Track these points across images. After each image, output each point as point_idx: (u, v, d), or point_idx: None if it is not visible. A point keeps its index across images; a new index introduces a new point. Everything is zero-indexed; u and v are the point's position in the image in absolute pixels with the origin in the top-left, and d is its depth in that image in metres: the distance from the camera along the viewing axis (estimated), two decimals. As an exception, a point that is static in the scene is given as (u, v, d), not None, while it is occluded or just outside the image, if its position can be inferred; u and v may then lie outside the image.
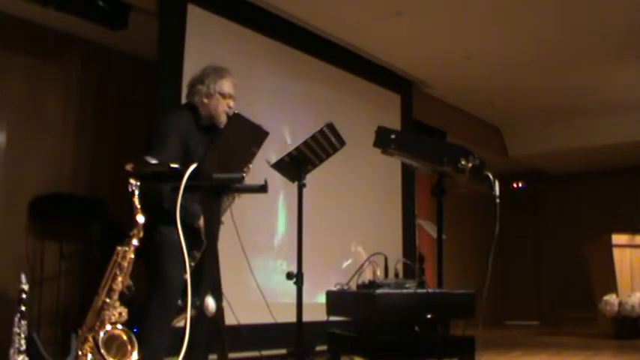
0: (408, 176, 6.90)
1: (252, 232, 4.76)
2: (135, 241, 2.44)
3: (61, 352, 4.47)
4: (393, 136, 3.37)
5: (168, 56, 4.59)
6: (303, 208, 3.50)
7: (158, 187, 2.75)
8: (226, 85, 3.11)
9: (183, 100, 3.29)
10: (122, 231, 2.51)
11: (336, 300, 3.35)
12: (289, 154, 3.41)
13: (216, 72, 3.15)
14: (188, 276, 2.37)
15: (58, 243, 4.87)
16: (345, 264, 5.84)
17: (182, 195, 2.74)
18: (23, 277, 3.25)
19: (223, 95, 3.08)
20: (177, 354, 2.96)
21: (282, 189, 5.07)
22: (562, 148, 8.95)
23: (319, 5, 5.35)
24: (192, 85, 3.14)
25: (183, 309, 2.83)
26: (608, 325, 7.04)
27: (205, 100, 3.08)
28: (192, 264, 2.98)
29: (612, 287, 7.06)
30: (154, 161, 2.63)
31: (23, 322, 3.17)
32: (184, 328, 2.30)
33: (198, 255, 2.97)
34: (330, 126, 3.42)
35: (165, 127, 3.00)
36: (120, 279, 2.41)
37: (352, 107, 6.17)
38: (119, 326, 2.39)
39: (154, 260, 2.90)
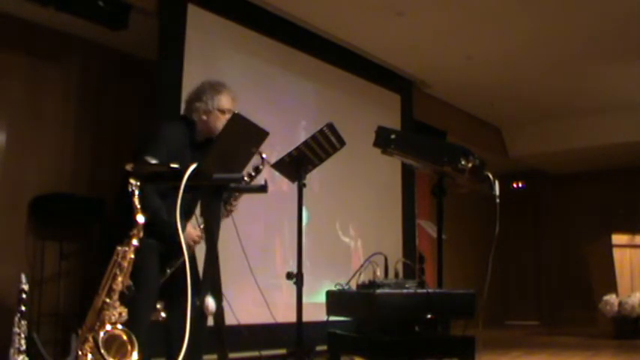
0: (408, 176, 6.90)
1: (252, 231, 4.77)
2: (135, 241, 2.44)
3: (61, 352, 4.47)
4: (393, 136, 3.37)
5: (168, 56, 4.59)
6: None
7: (149, 201, 2.77)
8: (224, 101, 3.05)
9: (183, 102, 3.28)
10: (122, 231, 2.51)
11: (336, 300, 3.35)
12: (289, 154, 3.40)
13: (213, 88, 3.08)
14: (188, 278, 2.37)
15: (58, 243, 4.86)
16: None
17: (165, 205, 2.78)
18: (23, 277, 3.26)
19: (222, 111, 3.03)
20: (168, 355, 2.98)
21: (281, 188, 5.07)
22: (562, 148, 8.95)
23: (319, 5, 5.35)
24: (190, 102, 3.08)
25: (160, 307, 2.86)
26: (608, 325, 7.05)
27: (204, 117, 3.02)
28: (169, 271, 3.00)
29: (612, 287, 7.07)
30: (154, 161, 2.63)
31: (23, 322, 3.18)
32: (184, 328, 2.30)
33: (177, 263, 2.99)
34: (330, 126, 3.41)
35: (158, 140, 2.93)
36: (120, 279, 2.40)
37: (352, 107, 6.17)
38: (119, 326, 2.39)
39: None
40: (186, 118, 3.10)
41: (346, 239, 6.04)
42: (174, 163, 2.88)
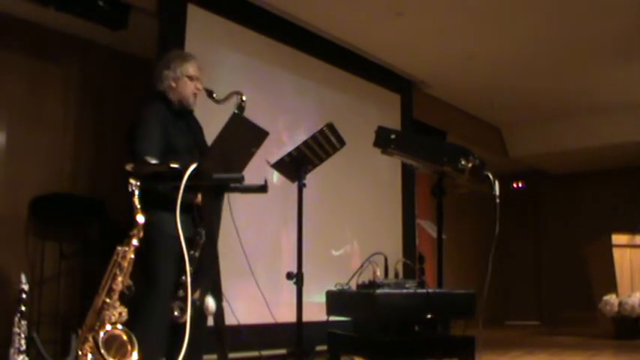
0: (408, 176, 6.89)
1: (252, 231, 4.77)
2: (135, 241, 2.44)
3: (61, 352, 4.47)
4: (393, 136, 3.37)
5: (168, 56, 4.59)
6: (303, 208, 3.50)
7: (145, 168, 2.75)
8: (192, 68, 3.16)
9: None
10: (122, 231, 2.51)
11: (336, 300, 3.35)
12: (289, 154, 3.41)
13: (181, 56, 3.23)
14: (188, 275, 2.37)
15: (58, 243, 4.86)
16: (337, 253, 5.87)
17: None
18: (23, 277, 3.26)
19: (190, 78, 3.13)
20: (168, 354, 2.97)
21: (282, 188, 5.07)
22: (562, 148, 8.95)
23: (319, 5, 5.35)
24: (159, 71, 3.17)
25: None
26: (608, 325, 7.03)
27: (173, 84, 3.12)
28: (192, 268, 2.91)
29: (612, 287, 7.06)
30: (153, 161, 2.64)
31: (23, 322, 3.18)
32: (184, 327, 2.30)
33: (196, 254, 2.93)
34: (330, 126, 3.42)
35: (149, 115, 3.03)
36: (120, 279, 2.41)
37: (352, 107, 6.17)
38: (119, 326, 2.40)
39: (147, 258, 2.79)
40: (156, 92, 3.15)
41: (346, 239, 6.03)
42: (167, 133, 2.93)
